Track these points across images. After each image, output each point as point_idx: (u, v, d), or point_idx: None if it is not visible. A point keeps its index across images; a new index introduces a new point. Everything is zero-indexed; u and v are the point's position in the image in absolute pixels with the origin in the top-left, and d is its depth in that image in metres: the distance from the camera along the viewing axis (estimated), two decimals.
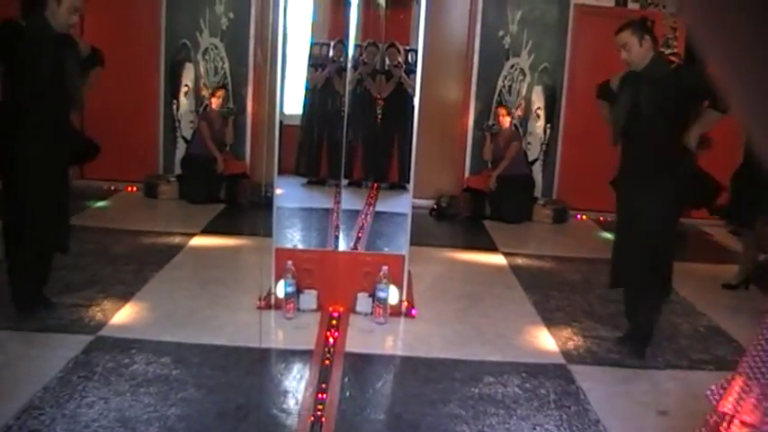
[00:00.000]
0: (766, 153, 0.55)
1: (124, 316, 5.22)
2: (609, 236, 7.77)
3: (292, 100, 8.58)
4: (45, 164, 4.79)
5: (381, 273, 5.37)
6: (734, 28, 0.50)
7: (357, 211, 7.07)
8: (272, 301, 5.47)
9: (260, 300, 5.46)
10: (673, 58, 4.94)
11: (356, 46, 8.24)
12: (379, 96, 8.88)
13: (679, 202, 4.97)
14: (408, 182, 5.98)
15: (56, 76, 4.68)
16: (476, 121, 9.58)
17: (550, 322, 5.61)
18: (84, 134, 5.28)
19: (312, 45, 8.82)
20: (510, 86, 9.54)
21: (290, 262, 5.39)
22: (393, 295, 5.42)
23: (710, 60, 0.53)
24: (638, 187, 4.85)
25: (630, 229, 4.94)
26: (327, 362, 4.57)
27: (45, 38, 4.64)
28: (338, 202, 6.96)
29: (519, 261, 7.36)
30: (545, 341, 5.29)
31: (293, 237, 6.70)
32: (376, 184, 8.30)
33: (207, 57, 9.45)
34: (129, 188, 9.46)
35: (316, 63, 8.72)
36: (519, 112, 9.54)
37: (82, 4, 4.67)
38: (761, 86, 0.51)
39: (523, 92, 9.54)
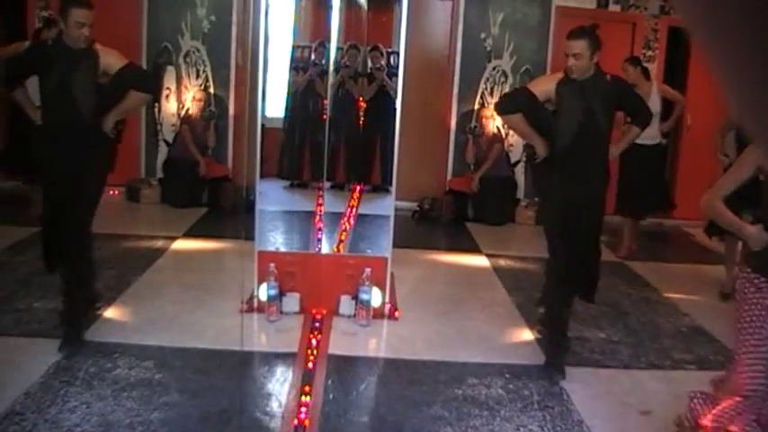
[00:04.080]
0: (765, 150, 0.55)
1: (106, 320, 5.19)
2: None
3: (274, 103, 8.57)
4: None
5: (364, 275, 5.37)
6: (731, 26, 0.50)
7: (340, 214, 7.06)
8: (255, 304, 5.45)
9: (242, 303, 5.44)
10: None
11: (338, 48, 8.24)
12: (361, 99, 8.88)
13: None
14: (391, 184, 5.97)
15: (63, 90, 4.66)
16: (458, 124, 9.59)
17: (533, 323, 5.60)
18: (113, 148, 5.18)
19: (294, 48, 8.81)
20: (492, 88, 9.55)
21: (272, 265, 5.38)
22: (376, 297, 5.42)
23: (707, 58, 0.53)
24: (581, 197, 4.72)
25: (584, 237, 4.84)
26: (311, 364, 4.56)
27: (57, 54, 4.67)
28: (321, 205, 6.95)
29: (502, 262, 7.37)
30: (528, 342, 5.30)
31: (276, 240, 6.69)
32: (358, 187, 8.29)
33: (188, 60, 9.42)
34: (111, 192, 9.37)
35: (297, 66, 8.72)
36: None
37: (86, 17, 4.59)
38: (759, 84, 0.51)
39: None
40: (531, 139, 4.91)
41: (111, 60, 4.78)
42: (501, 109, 4.99)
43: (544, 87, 4.79)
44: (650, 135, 6.88)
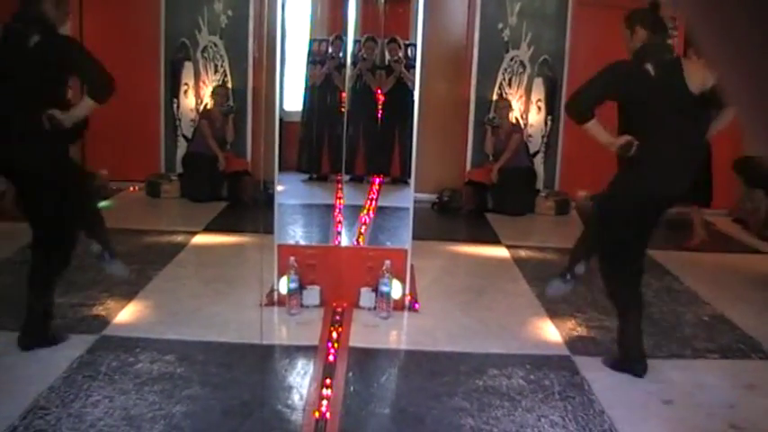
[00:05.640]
0: (764, 148, 0.54)
1: (128, 315, 5.23)
2: None
3: (292, 97, 8.59)
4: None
5: (384, 267, 5.37)
6: (731, 23, 0.50)
7: (359, 207, 7.07)
8: (276, 297, 5.47)
9: (263, 296, 5.46)
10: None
11: (355, 41, 8.24)
12: (379, 91, 8.89)
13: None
14: (410, 176, 5.97)
15: None
16: (476, 115, 9.56)
17: (554, 314, 5.60)
18: None
19: (311, 41, 8.83)
20: (510, 79, 9.52)
21: (292, 258, 5.40)
22: (396, 289, 5.42)
23: (708, 55, 0.53)
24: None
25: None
26: (332, 357, 4.58)
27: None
28: (340, 198, 6.96)
29: (522, 253, 7.35)
30: (549, 333, 5.29)
31: (296, 233, 6.71)
32: (378, 179, 8.30)
33: (206, 55, 9.44)
34: (132, 188, 9.47)
35: (315, 59, 8.74)
36: (520, 105, 9.53)
37: None
38: (758, 81, 0.51)
39: (524, 84, 9.52)
40: None
41: None
42: None
43: None
44: None
